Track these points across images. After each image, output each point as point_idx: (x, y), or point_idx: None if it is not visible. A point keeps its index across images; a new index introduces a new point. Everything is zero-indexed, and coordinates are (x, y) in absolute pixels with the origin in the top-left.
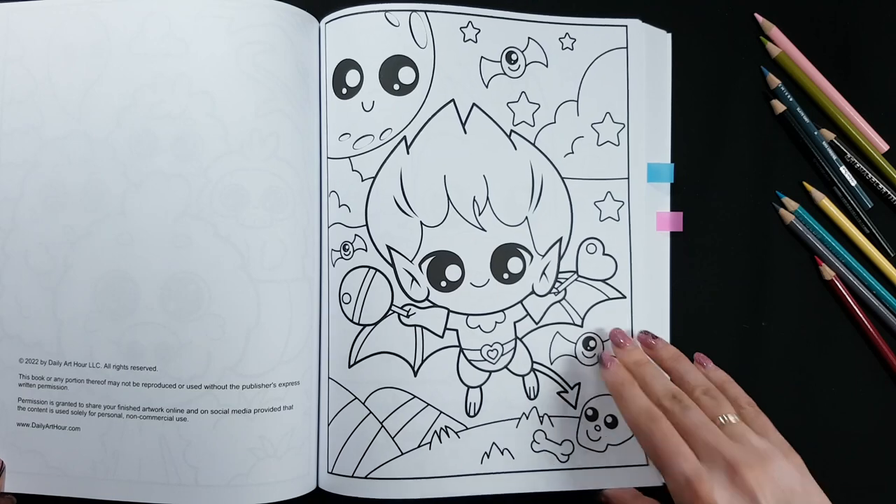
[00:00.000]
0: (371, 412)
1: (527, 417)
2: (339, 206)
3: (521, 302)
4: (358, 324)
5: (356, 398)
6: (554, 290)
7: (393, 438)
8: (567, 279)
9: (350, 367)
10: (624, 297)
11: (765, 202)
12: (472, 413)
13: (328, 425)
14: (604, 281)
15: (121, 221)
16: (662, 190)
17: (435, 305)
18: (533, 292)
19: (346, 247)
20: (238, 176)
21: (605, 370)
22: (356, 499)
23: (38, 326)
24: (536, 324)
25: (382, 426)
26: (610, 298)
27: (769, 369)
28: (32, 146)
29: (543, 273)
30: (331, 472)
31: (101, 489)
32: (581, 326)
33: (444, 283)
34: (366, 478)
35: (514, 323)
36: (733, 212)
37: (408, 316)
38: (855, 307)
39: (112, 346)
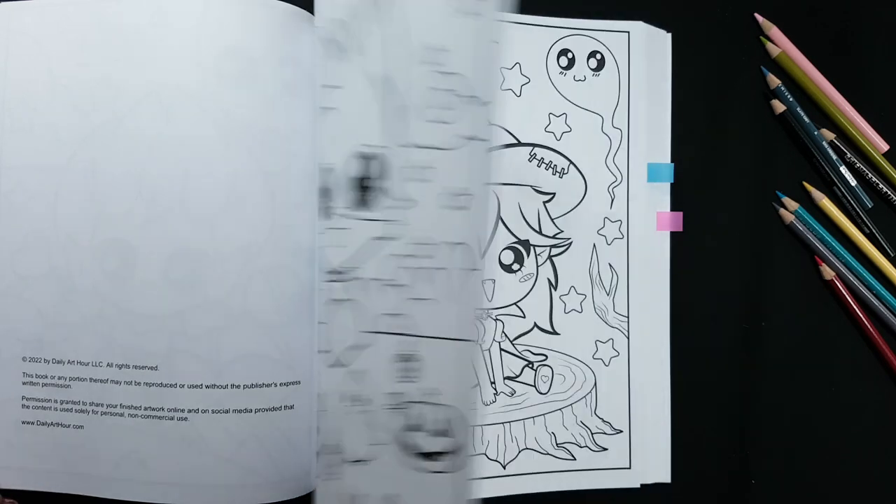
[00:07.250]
0: None
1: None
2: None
3: None
4: None
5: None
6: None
7: None
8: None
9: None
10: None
11: (765, 202)
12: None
13: None
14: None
15: (123, 222)
16: (662, 190)
17: None
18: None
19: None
20: (238, 175)
21: None
22: None
23: (41, 325)
24: None
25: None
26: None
27: (769, 369)
28: (33, 148)
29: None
30: None
31: (104, 487)
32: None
33: None
34: None
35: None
36: (733, 212)
37: None
38: (855, 307)
39: (114, 345)
